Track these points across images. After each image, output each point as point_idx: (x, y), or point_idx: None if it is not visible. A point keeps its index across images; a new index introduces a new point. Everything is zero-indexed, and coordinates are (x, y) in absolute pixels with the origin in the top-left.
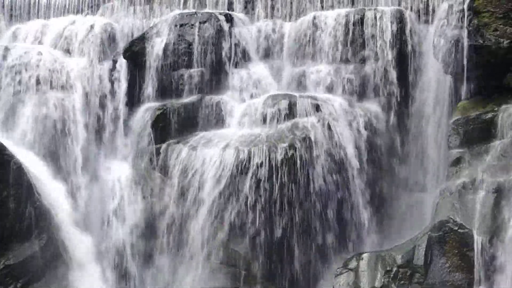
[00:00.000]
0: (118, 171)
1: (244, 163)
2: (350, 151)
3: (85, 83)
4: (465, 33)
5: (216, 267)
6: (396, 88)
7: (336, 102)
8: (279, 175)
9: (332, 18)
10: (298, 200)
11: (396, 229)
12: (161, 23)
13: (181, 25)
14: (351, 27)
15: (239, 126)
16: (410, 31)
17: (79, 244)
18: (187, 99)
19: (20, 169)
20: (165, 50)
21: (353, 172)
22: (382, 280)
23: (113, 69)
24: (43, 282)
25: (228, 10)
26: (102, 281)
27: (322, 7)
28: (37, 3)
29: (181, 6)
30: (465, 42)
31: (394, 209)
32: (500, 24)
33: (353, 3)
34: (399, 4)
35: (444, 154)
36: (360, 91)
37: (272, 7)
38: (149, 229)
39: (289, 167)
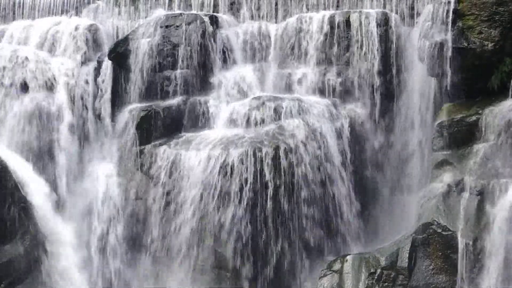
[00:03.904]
0: (103, 172)
1: (229, 165)
2: (335, 153)
3: (69, 84)
4: (449, 36)
5: (202, 269)
6: (381, 90)
7: (321, 104)
8: (264, 177)
9: (317, 20)
10: (283, 202)
11: (380, 231)
12: (146, 24)
13: (166, 26)
14: (336, 29)
15: (224, 128)
16: (395, 33)
17: (63, 245)
18: (172, 101)
19: (4, 170)
20: (150, 51)
21: (338, 174)
22: (366, 282)
23: (98, 70)
24: (27, 283)
25: (214, 11)
26: (87, 283)
27: (307, 9)
28: (22, 4)
29: (166, 7)
30: (450, 45)
31: (378, 211)
32: (485, 27)
33: (338, 5)
34: (384, 7)
35: (428, 156)
36: (345, 93)
37: (258, 9)
38: (134, 231)
39: (273, 169)
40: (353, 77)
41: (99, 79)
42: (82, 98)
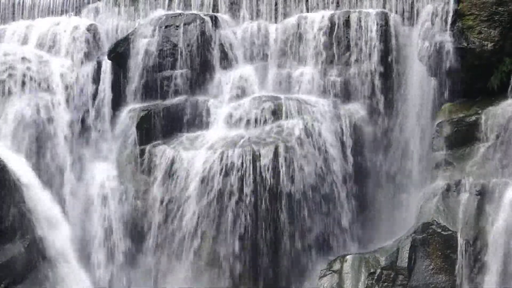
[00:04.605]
0: (103, 173)
1: (229, 165)
2: (334, 152)
3: (69, 84)
4: (449, 36)
5: (201, 269)
6: (381, 90)
7: (321, 104)
8: (263, 177)
9: (317, 20)
10: (282, 201)
11: (379, 231)
12: (146, 24)
13: (166, 26)
14: (336, 29)
15: (224, 128)
16: (395, 33)
17: (63, 245)
18: (172, 101)
19: (4, 170)
20: (149, 51)
21: (337, 174)
22: (366, 282)
23: (97, 70)
24: (27, 283)
25: (213, 11)
26: (87, 283)
27: (307, 8)
28: (21, 4)
29: (166, 7)
30: (450, 45)
31: (378, 210)
32: (485, 27)
33: (337, 5)
34: (384, 7)
35: (428, 156)
36: (345, 93)
37: (257, 9)
38: (134, 231)
39: (273, 169)
40: (353, 77)
41: (99, 79)
42: (81, 98)
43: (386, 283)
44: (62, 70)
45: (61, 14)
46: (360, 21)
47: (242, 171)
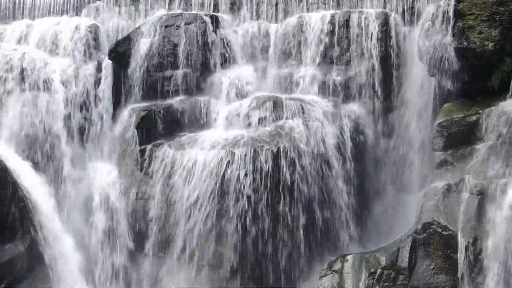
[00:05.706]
0: (103, 173)
1: (229, 164)
2: (335, 152)
3: (70, 84)
4: (450, 36)
5: (202, 269)
6: (381, 90)
7: (321, 103)
8: (264, 177)
9: (317, 20)
10: (282, 201)
11: (380, 230)
12: (147, 24)
13: (167, 26)
14: (336, 29)
15: (224, 128)
16: (395, 33)
17: (63, 245)
18: (172, 100)
19: (4, 170)
20: (150, 51)
21: (337, 174)
22: (366, 282)
23: (98, 70)
24: (27, 282)
25: (214, 11)
26: (87, 283)
27: (308, 8)
28: (22, 3)
29: (167, 7)
30: (450, 45)
31: (378, 210)
32: (485, 27)
33: (338, 5)
34: (384, 7)
35: (428, 156)
36: (345, 93)
37: (258, 9)
38: (134, 231)
39: (273, 169)
40: (353, 77)
41: (99, 79)
42: (82, 98)
43: (386, 283)
44: (62, 70)
45: (62, 14)
46: (360, 21)
47: (243, 171)
